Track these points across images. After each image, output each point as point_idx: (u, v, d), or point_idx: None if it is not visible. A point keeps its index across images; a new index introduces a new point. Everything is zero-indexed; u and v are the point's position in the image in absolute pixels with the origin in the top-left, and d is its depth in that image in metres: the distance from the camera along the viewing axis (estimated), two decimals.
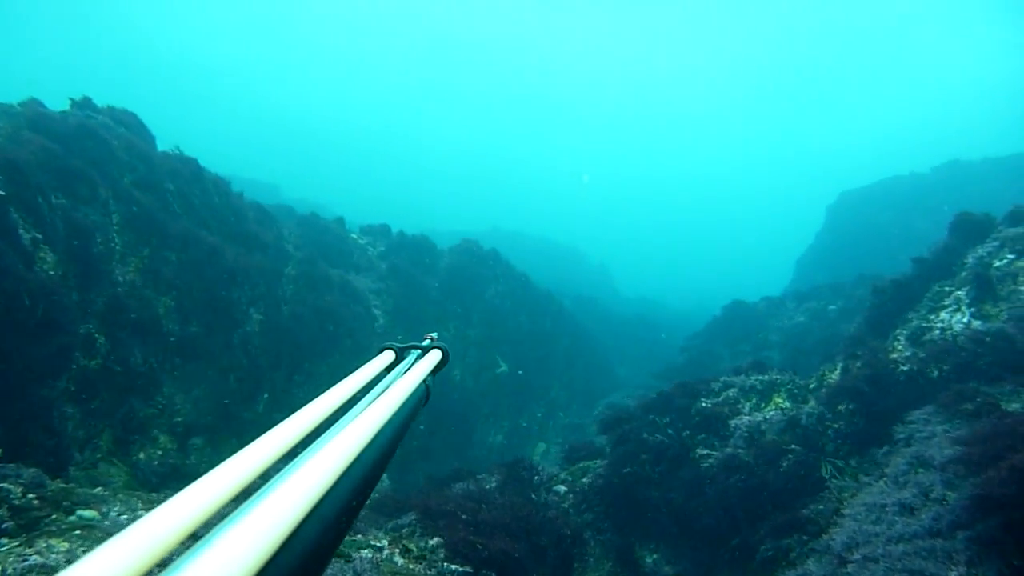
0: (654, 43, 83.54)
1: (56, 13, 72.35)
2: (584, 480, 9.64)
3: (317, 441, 0.72)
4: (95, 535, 3.70)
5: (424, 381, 1.10)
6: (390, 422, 0.83)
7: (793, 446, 7.38)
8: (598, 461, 10.12)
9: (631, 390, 18.95)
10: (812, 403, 8.97)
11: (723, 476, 7.39)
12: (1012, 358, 6.14)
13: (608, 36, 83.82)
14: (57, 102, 10.64)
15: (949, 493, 4.76)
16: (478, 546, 4.79)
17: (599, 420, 11.72)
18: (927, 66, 74.48)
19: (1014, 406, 5.72)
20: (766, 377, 9.86)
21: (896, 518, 4.88)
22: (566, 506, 9.05)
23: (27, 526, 3.77)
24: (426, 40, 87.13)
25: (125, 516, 4.23)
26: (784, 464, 6.79)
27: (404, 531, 6.11)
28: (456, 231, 26.17)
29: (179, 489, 0.52)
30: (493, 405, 15.18)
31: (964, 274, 9.30)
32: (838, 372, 9.23)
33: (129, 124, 11.56)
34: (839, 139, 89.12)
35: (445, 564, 4.99)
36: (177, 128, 13.05)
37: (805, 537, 5.90)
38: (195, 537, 0.49)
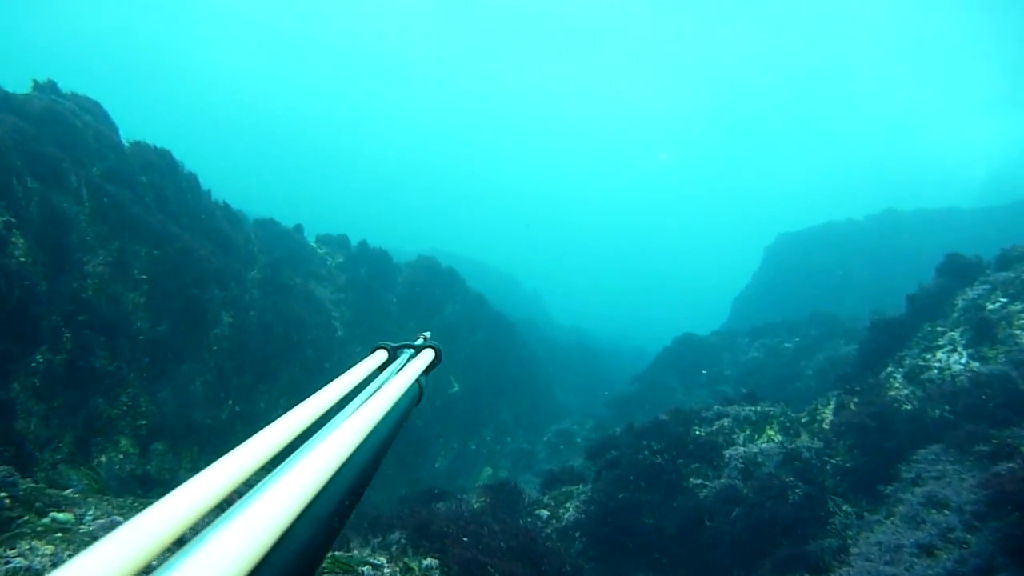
0: (600, 72, 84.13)
1: None
2: (568, 505, 9.38)
3: (310, 440, 0.71)
4: (77, 537, 3.32)
5: (417, 381, 1.10)
6: (383, 422, 0.85)
7: (792, 479, 7.25)
8: (580, 486, 9.90)
9: (579, 417, 18.90)
10: (805, 437, 8.90)
11: (721, 507, 7.20)
12: (1018, 400, 6.15)
13: (554, 64, 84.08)
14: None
15: (969, 536, 4.65)
16: (489, 568, 4.49)
17: (586, 448, 11.63)
18: (863, 115, 77.10)
19: None
20: (759, 408, 9.81)
21: (914, 559, 4.74)
22: (549, 531, 8.79)
23: None
24: (363, 55, 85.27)
25: (101, 520, 3.82)
26: (791, 498, 6.63)
27: (394, 549, 5.78)
28: (402, 249, 25.44)
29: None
30: (443, 426, 14.72)
31: (956, 315, 9.44)
32: (831, 408, 9.21)
33: (95, 112, 11.04)
34: (777, 180, 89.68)
35: None
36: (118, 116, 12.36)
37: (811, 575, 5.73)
38: (181, 543, 0.47)
